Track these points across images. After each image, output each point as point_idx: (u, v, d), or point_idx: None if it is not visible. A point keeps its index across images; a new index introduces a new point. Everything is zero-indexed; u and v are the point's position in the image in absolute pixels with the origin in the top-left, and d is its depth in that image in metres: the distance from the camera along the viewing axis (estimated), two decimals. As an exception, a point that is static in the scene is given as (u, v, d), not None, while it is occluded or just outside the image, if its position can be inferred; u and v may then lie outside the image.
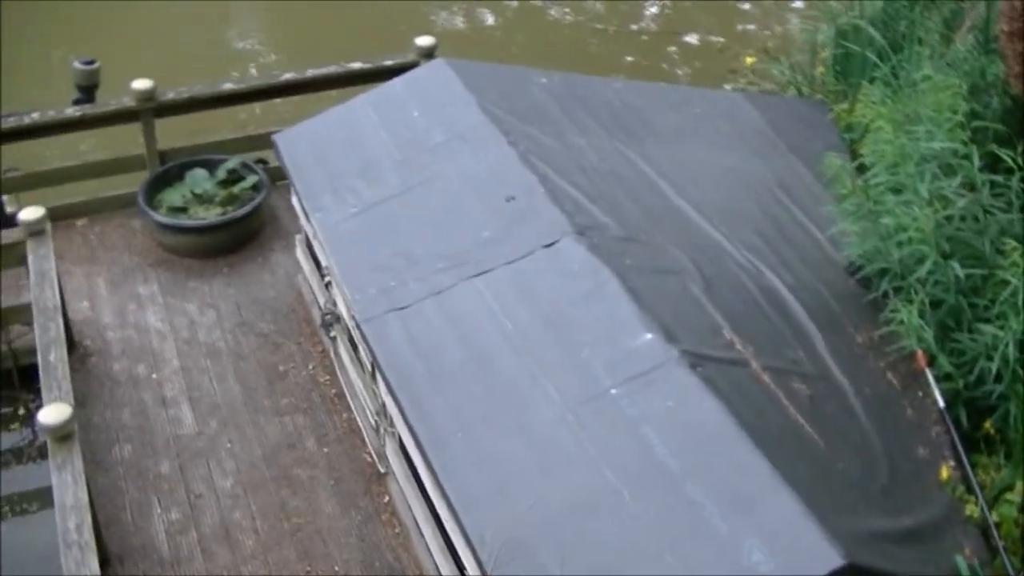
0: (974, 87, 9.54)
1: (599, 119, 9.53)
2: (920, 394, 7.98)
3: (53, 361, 8.01)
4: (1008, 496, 7.45)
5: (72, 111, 10.79)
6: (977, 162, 8.25)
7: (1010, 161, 8.12)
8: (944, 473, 7.47)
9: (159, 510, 8.41)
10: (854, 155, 9.91)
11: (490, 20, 17.87)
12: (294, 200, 9.31)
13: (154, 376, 9.47)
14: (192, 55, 15.83)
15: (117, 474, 8.67)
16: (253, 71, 16.06)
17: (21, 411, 9.60)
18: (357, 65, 11.27)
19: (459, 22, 17.68)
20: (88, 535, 6.92)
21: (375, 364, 7.54)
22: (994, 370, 7.74)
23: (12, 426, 9.59)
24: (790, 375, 7.39)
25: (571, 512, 6.30)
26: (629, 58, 16.64)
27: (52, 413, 7.37)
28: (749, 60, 12.82)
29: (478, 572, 6.29)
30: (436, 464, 6.73)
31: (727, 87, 13.21)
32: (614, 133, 9.40)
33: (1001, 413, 7.87)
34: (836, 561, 5.76)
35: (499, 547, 6.13)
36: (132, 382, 9.43)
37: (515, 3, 18.09)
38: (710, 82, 14.34)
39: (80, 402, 9.15)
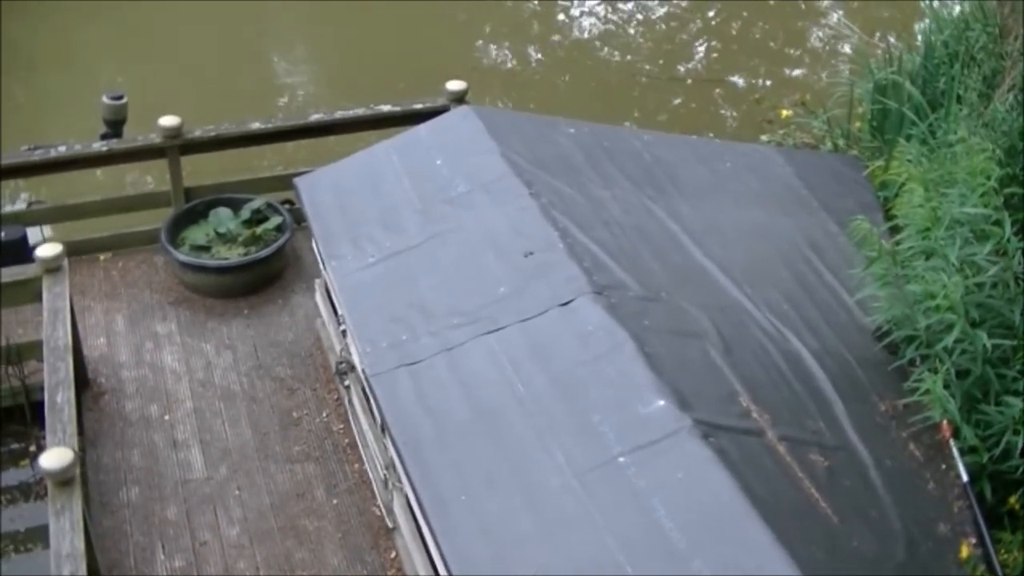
0: (1012, 148, 9.35)
1: (626, 172, 9.39)
2: (943, 467, 7.79)
3: (60, 403, 7.92)
4: (1031, 577, 7.25)
5: (99, 146, 10.76)
6: (1010, 228, 8.07)
7: (1043, 228, 7.96)
8: (964, 551, 7.26)
9: (163, 556, 8.29)
10: (887, 214, 9.75)
11: (538, 57, 17.83)
12: (313, 245, 9.21)
13: (166, 417, 9.37)
14: (234, 88, 15.84)
15: (123, 517, 8.56)
16: (300, 97, 16.13)
17: (32, 448, 9.50)
18: (386, 108, 11.19)
19: (507, 59, 17.64)
20: (83, 583, 6.81)
21: (383, 419, 7.40)
22: (1021, 444, 7.56)
23: (22, 462, 9.51)
24: (808, 446, 7.20)
25: (571, 584, 6.15)
26: (675, 100, 16.54)
27: (54, 457, 7.28)
28: (784, 113, 12.66)
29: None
30: (437, 528, 6.58)
31: (763, 138, 13.06)
32: (641, 187, 9.26)
33: (1027, 489, 7.69)
34: (842, 648, 5.59)
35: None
36: (144, 423, 9.33)
37: (565, 42, 18.04)
38: (754, 127, 14.23)
39: (91, 441, 9.11)
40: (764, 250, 9.13)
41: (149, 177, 13.73)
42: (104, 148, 10.75)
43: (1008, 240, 8.07)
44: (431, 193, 8.83)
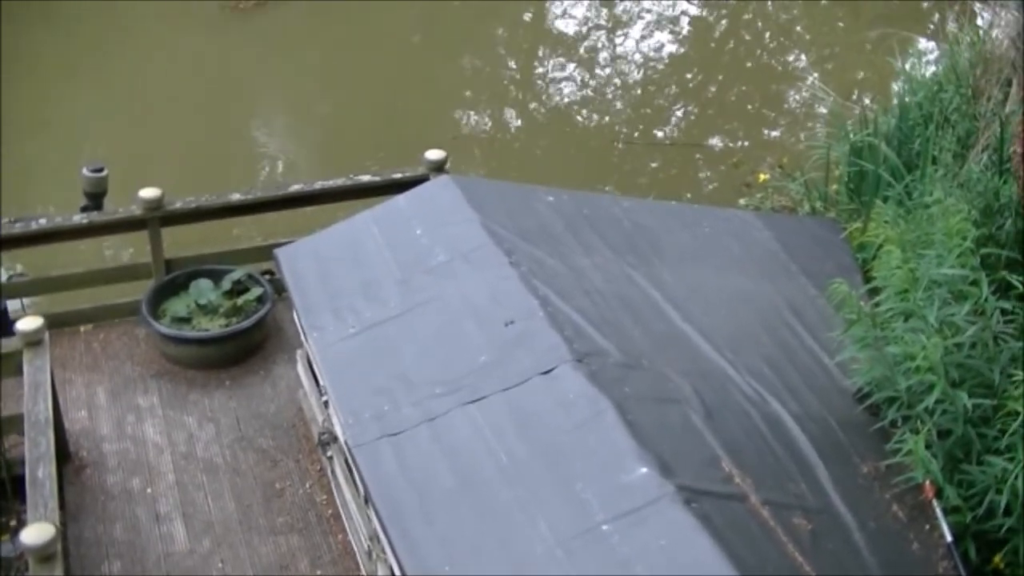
0: (987, 208, 9.45)
1: (606, 239, 9.43)
2: (927, 527, 7.78)
3: (41, 477, 7.90)
4: (1017, 637, 7.24)
5: (79, 218, 10.78)
6: (988, 288, 8.12)
7: (1021, 287, 7.99)
8: (951, 613, 7.26)
9: (145, 634, 8.24)
10: (866, 275, 9.80)
11: (517, 123, 17.94)
12: (295, 315, 9.22)
13: (149, 491, 9.32)
14: (215, 159, 15.90)
15: (106, 592, 8.51)
16: (280, 167, 16.19)
17: (13, 522, 9.42)
18: (366, 178, 11.25)
19: (487, 126, 17.75)
20: (65, 663, 6.76)
21: (366, 491, 7.39)
22: (1003, 503, 7.57)
23: (3, 537, 9.42)
24: (791, 509, 7.20)
25: (558, 655, 6.13)
26: (654, 164, 16.64)
27: (35, 533, 7.26)
28: (762, 177, 12.76)
29: None
30: (423, 603, 6.57)
31: (742, 201, 13.15)
32: (621, 254, 9.29)
33: (1011, 547, 7.70)
34: None
35: None
36: (126, 496, 9.28)
37: (543, 108, 18.16)
38: (733, 190, 14.32)
39: (72, 516, 9.05)
40: (745, 315, 9.15)
41: (130, 248, 13.73)
42: (85, 220, 10.77)
43: (986, 300, 8.12)
44: (411, 263, 8.86)
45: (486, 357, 7.86)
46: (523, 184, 10.28)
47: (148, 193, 10.60)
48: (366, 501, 7.69)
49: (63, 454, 9.35)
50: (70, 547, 8.77)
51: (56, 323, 10.38)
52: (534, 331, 7.90)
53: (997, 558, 7.74)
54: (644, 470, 6.79)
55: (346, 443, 7.70)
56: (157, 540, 8.93)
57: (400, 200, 9.59)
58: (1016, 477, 7.48)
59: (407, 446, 7.43)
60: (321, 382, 8.76)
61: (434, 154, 11.05)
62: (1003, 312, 8.17)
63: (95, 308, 11.25)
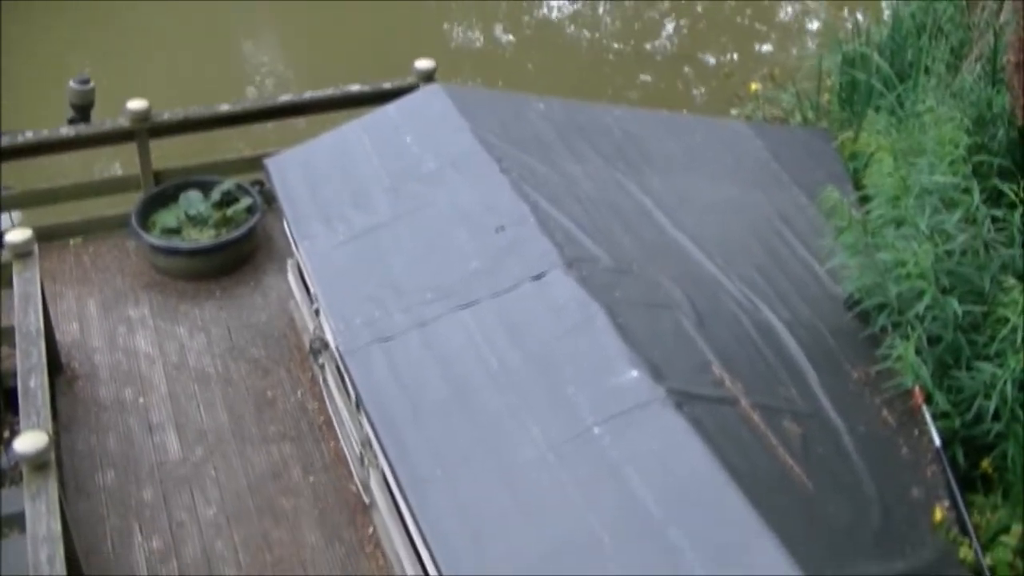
0: (980, 118, 9.40)
1: (597, 147, 9.39)
2: (916, 432, 7.83)
3: (33, 387, 7.89)
4: (1003, 539, 7.32)
5: (66, 131, 10.71)
6: (979, 196, 8.11)
7: (1012, 196, 7.98)
8: (938, 514, 7.32)
9: (140, 539, 8.26)
10: (858, 185, 9.79)
11: (508, 38, 17.80)
12: (285, 225, 9.19)
13: (141, 401, 9.34)
14: (203, 76, 15.77)
15: (99, 501, 8.53)
16: (269, 84, 16.06)
17: (6, 434, 9.45)
18: (355, 88, 11.16)
19: (476, 40, 17.61)
20: (60, 567, 6.78)
21: (358, 397, 7.40)
22: (992, 408, 7.63)
23: (-3, 449, 9.49)
24: (781, 414, 7.23)
25: (549, 556, 6.16)
26: (644, 77, 16.54)
27: (28, 441, 7.26)
28: (753, 87, 12.68)
29: (454, 613, 6.16)
30: (415, 505, 6.59)
31: (733, 112, 13.09)
32: (612, 162, 9.26)
33: (999, 452, 7.77)
34: (816, 612, 5.63)
35: (474, 592, 5.99)
36: (118, 407, 9.30)
37: (534, 22, 18.01)
38: (724, 102, 14.25)
39: (65, 426, 9.06)
40: (736, 223, 9.14)
41: (118, 164, 13.65)
42: (72, 133, 10.70)
43: (977, 208, 8.12)
44: (401, 171, 8.82)
45: (477, 263, 7.85)
46: (514, 93, 10.20)
47: (136, 104, 10.52)
48: (357, 407, 7.71)
49: (55, 366, 9.33)
50: (63, 457, 8.80)
51: (45, 236, 10.32)
52: (525, 237, 7.88)
53: (985, 463, 7.79)
54: (635, 373, 6.80)
55: (337, 349, 7.70)
56: (150, 450, 8.95)
57: (390, 109, 9.52)
58: (1005, 383, 7.52)
59: (398, 352, 7.44)
60: (312, 290, 8.76)
61: (424, 63, 10.97)
62: (994, 220, 8.18)
63: (84, 221, 11.21)
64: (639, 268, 7.97)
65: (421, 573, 7.25)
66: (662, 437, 6.50)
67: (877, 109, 10.65)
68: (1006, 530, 7.40)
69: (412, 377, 7.27)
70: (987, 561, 7.15)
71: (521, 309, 7.45)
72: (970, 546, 7.21)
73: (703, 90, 16.32)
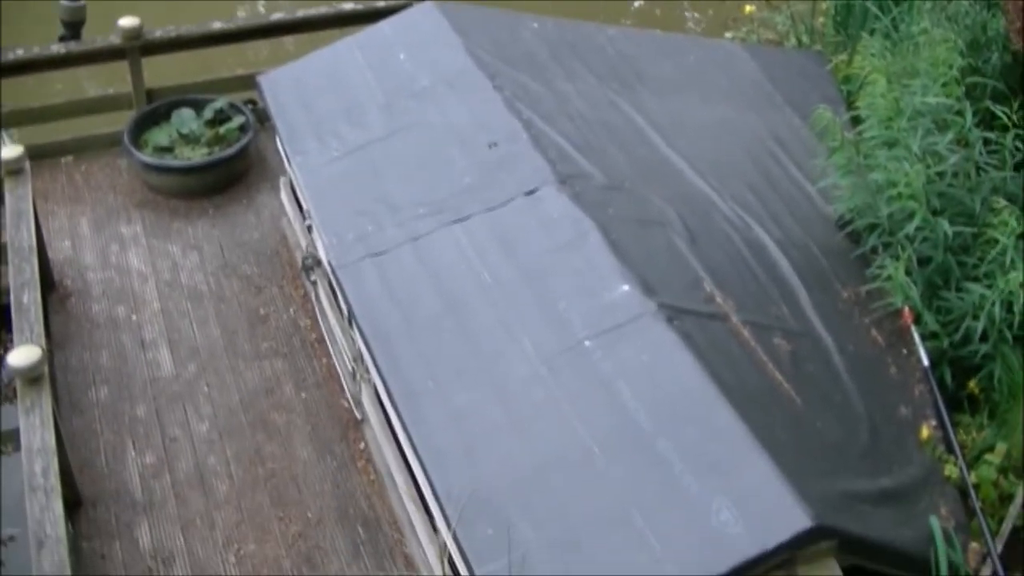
0: (974, 42, 9.38)
1: (591, 66, 9.37)
2: (905, 352, 7.88)
3: (26, 303, 7.92)
4: (988, 458, 7.37)
5: (57, 48, 10.66)
6: (972, 118, 8.12)
7: (1005, 118, 7.98)
8: (925, 433, 7.38)
9: (133, 453, 8.32)
10: (851, 108, 9.77)
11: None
12: (277, 142, 9.18)
13: (134, 318, 9.36)
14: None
15: (93, 417, 8.57)
16: (260, 8, 15.91)
17: (1, 351, 9.48)
18: (348, 6, 11.11)
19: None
20: (54, 479, 6.83)
21: (350, 311, 7.44)
22: (980, 329, 7.68)
23: (-9, 366, 9.51)
24: (772, 331, 7.28)
25: (540, 469, 6.21)
26: (637, 4, 16.43)
27: (22, 355, 7.29)
28: (748, 8, 12.60)
29: (446, 525, 6.21)
30: (407, 418, 6.65)
31: (727, 35, 13.01)
32: (605, 81, 9.24)
33: (986, 373, 7.83)
34: (804, 523, 5.70)
35: (466, 503, 6.03)
36: (111, 324, 9.32)
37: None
38: (719, 27, 14.15)
39: (58, 343, 9.09)
40: (729, 144, 9.14)
41: (110, 87, 13.57)
42: (63, 50, 10.65)
43: (969, 130, 8.13)
44: (395, 88, 8.80)
45: (469, 179, 7.85)
46: (508, 11, 10.14)
47: (128, 22, 10.47)
48: (350, 322, 7.74)
49: (47, 283, 9.37)
50: (57, 374, 8.83)
51: (37, 155, 10.29)
52: (517, 153, 7.89)
53: (972, 383, 7.85)
54: (626, 288, 6.83)
55: (330, 264, 7.72)
56: (143, 366, 8.99)
57: (384, 26, 9.48)
58: (993, 304, 7.57)
59: (390, 266, 7.46)
60: (304, 206, 8.76)
61: (417, -19, 10.91)
62: (986, 142, 8.19)
63: (76, 140, 11.18)
64: (631, 186, 7.98)
65: (412, 486, 7.32)
66: (653, 351, 6.54)
67: (872, 32, 10.59)
68: (991, 449, 7.46)
69: (404, 291, 7.29)
70: (972, 478, 7.21)
71: (514, 224, 7.47)
72: (955, 464, 7.28)
73: (697, 15, 16.19)
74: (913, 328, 7.87)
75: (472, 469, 6.28)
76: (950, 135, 8.10)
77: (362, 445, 8.28)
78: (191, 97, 10.98)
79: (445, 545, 6.32)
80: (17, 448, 8.63)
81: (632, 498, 5.96)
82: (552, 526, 5.98)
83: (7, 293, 8.25)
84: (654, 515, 5.88)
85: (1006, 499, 7.33)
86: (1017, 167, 8.14)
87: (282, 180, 9.85)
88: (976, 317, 7.69)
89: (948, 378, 7.86)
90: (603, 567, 5.81)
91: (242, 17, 12.59)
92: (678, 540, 5.80)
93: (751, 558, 5.70)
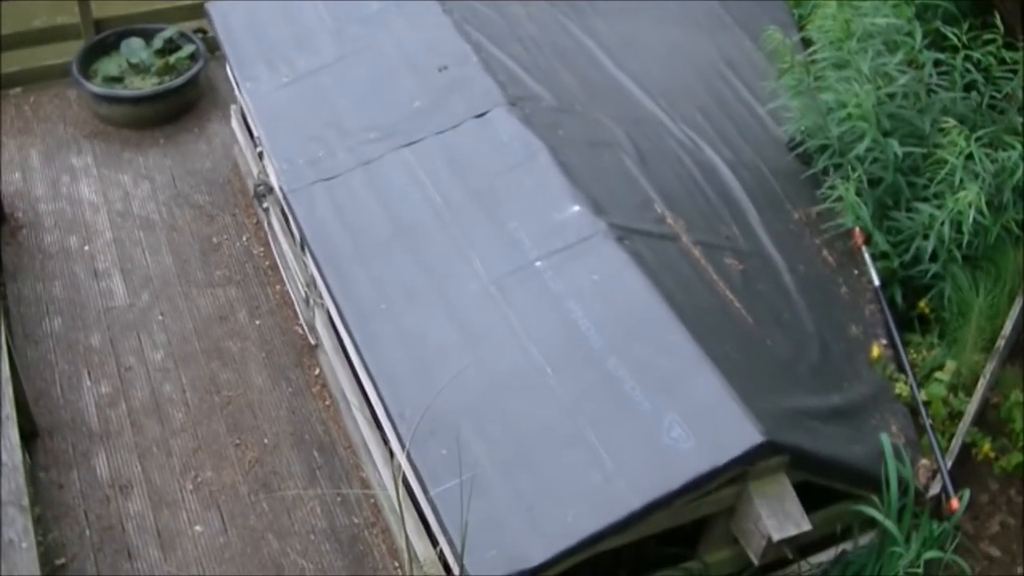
0: (927, -38, 9.37)
1: (541, -11, 9.34)
2: (856, 272, 7.94)
3: (-24, 232, 7.87)
4: (938, 375, 7.44)
5: (4, -22, 10.52)
6: (922, 40, 8.12)
7: (955, 39, 7.99)
8: (875, 352, 7.46)
9: (89, 383, 8.30)
10: (802, 31, 9.76)
11: None
12: (228, 70, 9.11)
13: (86, 248, 9.31)
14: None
15: (47, 347, 8.54)
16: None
17: (-49, 283, 9.44)
18: (298, -68, 10.96)
19: None
20: (9, 409, 6.82)
21: (302, 236, 7.42)
22: (930, 249, 7.72)
23: (-59, 298, 9.45)
24: (722, 251, 7.32)
25: (492, 388, 6.25)
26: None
27: (-27, 285, 7.25)
28: (700, -67, 12.54)
29: (399, 446, 6.24)
30: (359, 339, 6.66)
31: (680, -39, 12.95)
32: (556, 3, 9.21)
33: (936, 292, 7.88)
34: (755, 438, 5.76)
35: (418, 422, 6.06)
36: (64, 255, 9.27)
37: None
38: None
39: (11, 275, 9.03)
40: (680, 66, 9.13)
41: (58, 18, 13.40)
42: (9, -21, 10.52)
43: (919, 51, 8.13)
44: (344, 13, 8.74)
45: (420, 102, 7.84)
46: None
47: (75, -51, 10.34)
48: (302, 247, 7.74)
49: (-2, 216, 9.32)
50: (10, 306, 8.78)
51: (-16, 86, 10.22)
52: (467, 76, 7.87)
53: (922, 303, 7.91)
54: (576, 208, 6.86)
55: (281, 189, 7.70)
56: (97, 295, 8.95)
57: (333, -48, 9.40)
58: (942, 224, 7.60)
59: (341, 190, 7.45)
60: (255, 133, 8.71)
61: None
62: (936, 63, 8.19)
63: (24, 71, 11.01)
64: (582, 108, 7.99)
65: (367, 409, 7.35)
66: (603, 270, 6.57)
67: (824, -46, 10.58)
68: (941, 367, 7.54)
69: (356, 215, 7.29)
70: (922, 396, 7.30)
71: (464, 147, 7.47)
72: (906, 382, 7.36)
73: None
74: (864, 248, 7.93)
75: (425, 389, 6.29)
76: (900, 56, 8.10)
77: (317, 371, 8.29)
78: (140, 27, 10.85)
79: (400, 466, 6.36)
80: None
81: (584, 416, 6.01)
82: (504, 444, 6.03)
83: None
84: (606, 432, 5.94)
85: (956, 416, 7.42)
86: (967, 88, 8.16)
87: (233, 108, 9.78)
88: (926, 237, 7.74)
89: (899, 298, 7.92)
90: (556, 484, 5.86)
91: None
92: (630, 456, 5.86)
93: (703, 473, 5.77)
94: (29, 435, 7.76)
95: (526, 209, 6.98)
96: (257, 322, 8.71)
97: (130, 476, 7.75)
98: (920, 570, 6.65)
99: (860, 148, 7.93)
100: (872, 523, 6.73)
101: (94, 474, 7.76)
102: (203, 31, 10.81)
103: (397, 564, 7.26)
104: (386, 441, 6.98)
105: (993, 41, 7.90)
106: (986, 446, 7.40)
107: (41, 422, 8.01)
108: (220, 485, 7.69)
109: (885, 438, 6.75)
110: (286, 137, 7.98)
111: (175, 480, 7.73)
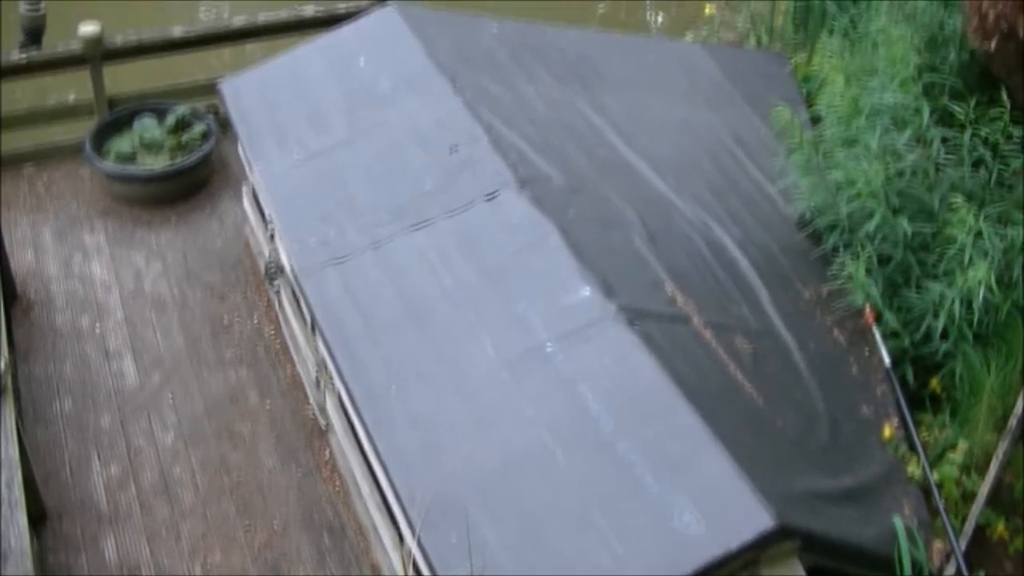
0: (932, 40, 9.40)
1: (551, 68, 9.40)
2: (866, 351, 7.92)
3: (-13, 314, 7.89)
4: (950, 456, 7.40)
5: (18, 56, 10.59)
6: (929, 116, 8.14)
7: (962, 116, 8.01)
8: (887, 432, 7.42)
9: (98, 465, 8.28)
10: (811, 107, 9.82)
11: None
12: (239, 149, 9.17)
13: (97, 328, 9.32)
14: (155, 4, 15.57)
15: (57, 428, 8.53)
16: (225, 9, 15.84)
17: (-37, 363, 9.44)
18: (309, 11, 11.10)
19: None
20: (18, 492, 6.79)
21: (312, 317, 7.43)
22: (940, 327, 7.69)
23: (-47, 377, 9.44)
24: (733, 331, 7.31)
25: (502, 471, 6.23)
26: (600, 9, 16.46)
27: (-17, 367, 7.25)
28: (707, 10, 12.67)
29: (409, 530, 6.21)
30: (369, 421, 6.65)
31: (688, 36, 13.06)
32: (566, 83, 9.27)
33: (947, 371, 7.83)
34: (767, 523, 5.72)
35: (429, 506, 6.04)
36: (75, 334, 9.28)
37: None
38: (681, 27, 14.19)
39: (22, 355, 9.04)
40: (689, 144, 9.18)
41: (71, 93, 13.52)
42: (23, 59, 10.59)
43: (927, 128, 8.15)
44: (356, 92, 8.81)
45: (431, 183, 7.87)
46: (467, 15, 10.16)
47: (89, 27, 10.42)
48: (312, 328, 7.74)
49: (10, 294, 9.31)
50: (21, 386, 8.77)
51: (-3, 163, 10.29)
52: (478, 157, 7.90)
53: (934, 381, 7.88)
54: (587, 291, 6.86)
55: (292, 270, 7.72)
56: (107, 376, 8.95)
57: (344, 31, 9.49)
58: (953, 302, 7.58)
59: (353, 272, 7.46)
60: (267, 212, 8.75)
61: (377, -15, 10.91)
62: (944, 140, 8.19)
63: (38, 148, 11.12)
64: (592, 187, 8.01)
65: (376, 492, 7.32)
66: (613, 353, 6.56)
67: (831, 31, 10.64)
68: (953, 447, 7.50)
69: (367, 296, 7.30)
70: (934, 477, 7.25)
71: (475, 228, 7.49)
72: (918, 462, 7.31)
73: (660, 17, 16.24)
74: (874, 327, 7.91)
75: (435, 472, 6.28)
76: (908, 133, 8.13)
77: (327, 453, 8.26)
78: (153, 104, 10.94)
79: (410, 550, 6.32)
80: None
81: (594, 499, 5.98)
82: (515, 528, 6.00)
83: (-31, 304, 8.21)
84: (616, 516, 5.90)
85: (969, 497, 7.35)
86: (975, 164, 8.17)
87: (244, 187, 9.83)
88: (936, 315, 7.72)
89: (910, 377, 7.88)
90: (565, 567, 5.82)
91: (203, 23, 12.52)
92: (641, 541, 5.82)
93: (715, 559, 5.72)
94: (38, 518, 7.74)
95: (536, 291, 6.99)
96: (268, 404, 8.69)
97: (139, 559, 7.70)
98: (936, 653, 6.60)
99: (870, 226, 7.94)
100: (887, 607, 6.66)
101: (103, 557, 7.71)
102: (215, 109, 10.88)
103: (408, 648, 7.21)
104: (396, 525, 6.94)
105: (1000, 117, 7.92)
106: (1000, 526, 7.33)
107: (50, 504, 7.97)
108: (229, 569, 7.64)
109: (898, 520, 6.71)
110: (298, 217, 8.01)
111: (183, 564, 7.68)
